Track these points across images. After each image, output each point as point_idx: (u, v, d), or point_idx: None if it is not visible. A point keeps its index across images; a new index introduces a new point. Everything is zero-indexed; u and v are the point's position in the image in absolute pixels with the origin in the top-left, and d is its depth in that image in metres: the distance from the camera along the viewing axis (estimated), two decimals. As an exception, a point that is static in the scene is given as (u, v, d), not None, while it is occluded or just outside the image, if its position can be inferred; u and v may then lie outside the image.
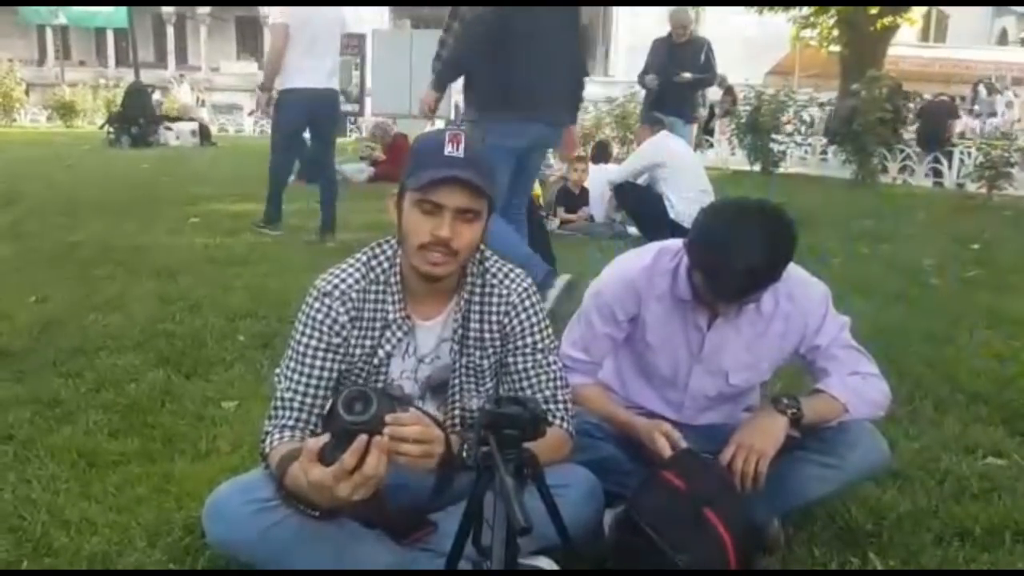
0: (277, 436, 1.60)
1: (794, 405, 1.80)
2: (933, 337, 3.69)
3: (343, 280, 1.65)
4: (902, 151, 11.72)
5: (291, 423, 1.62)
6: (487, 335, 1.69)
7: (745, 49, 24.24)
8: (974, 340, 3.69)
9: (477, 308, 1.69)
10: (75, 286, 4.15)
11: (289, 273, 4.53)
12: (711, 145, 14.66)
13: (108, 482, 2.11)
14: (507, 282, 1.70)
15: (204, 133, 15.79)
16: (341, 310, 1.63)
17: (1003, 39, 33.43)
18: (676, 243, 1.92)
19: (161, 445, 2.36)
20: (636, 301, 1.93)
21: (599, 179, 6.71)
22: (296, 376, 1.63)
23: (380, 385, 1.66)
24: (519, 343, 1.70)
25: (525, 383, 1.70)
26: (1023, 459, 2.47)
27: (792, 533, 1.95)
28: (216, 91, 29.14)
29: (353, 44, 14.67)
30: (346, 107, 13.43)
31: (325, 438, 1.32)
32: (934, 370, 3.22)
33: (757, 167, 12.56)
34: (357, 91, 15.66)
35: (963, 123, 16.04)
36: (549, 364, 1.72)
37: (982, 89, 20.02)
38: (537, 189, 6.73)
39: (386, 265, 1.66)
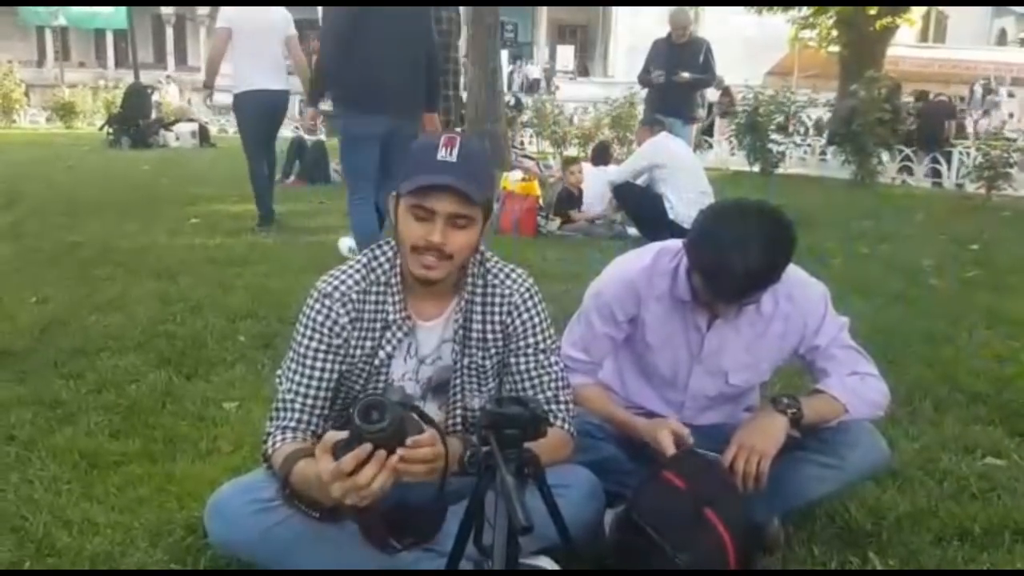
0: (279, 437, 1.61)
1: (794, 405, 1.80)
2: (932, 337, 3.70)
3: (343, 282, 1.65)
4: (901, 151, 11.73)
5: (292, 424, 1.63)
6: (489, 335, 1.69)
7: (744, 49, 24.24)
8: (973, 340, 3.69)
9: (479, 308, 1.69)
10: (76, 287, 4.15)
11: (290, 273, 4.54)
12: (710, 146, 14.67)
13: (110, 482, 2.12)
14: (508, 282, 1.70)
15: (204, 134, 15.78)
16: (341, 311, 1.63)
17: (1002, 39, 33.44)
18: (676, 244, 1.93)
19: (162, 445, 2.37)
20: (636, 301, 1.94)
21: (599, 180, 6.71)
22: (297, 377, 1.64)
23: (381, 386, 1.67)
24: (521, 343, 1.70)
25: (527, 383, 1.71)
26: (1022, 459, 2.47)
27: (792, 533, 1.95)
28: (215, 92, 29.03)
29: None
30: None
31: (344, 434, 1.32)
32: (933, 370, 3.23)
33: (756, 168, 12.57)
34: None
35: (971, 122, 16.10)
36: (551, 364, 1.72)
37: (977, 88, 20.08)
38: (537, 189, 6.76)
39: (387, 266, 1.67)
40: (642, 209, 5.96)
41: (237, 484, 1.68)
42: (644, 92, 8.24)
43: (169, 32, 34.79)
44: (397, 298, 1.65)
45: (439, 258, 1.55)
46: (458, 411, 1.72)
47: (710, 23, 27.57)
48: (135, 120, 14.31)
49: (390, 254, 1.67)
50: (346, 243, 4.88)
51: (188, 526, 1.89)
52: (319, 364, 1.64)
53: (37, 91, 23.51)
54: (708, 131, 14.59)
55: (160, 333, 3.40)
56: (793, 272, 1.85)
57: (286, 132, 8.02)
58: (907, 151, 11.75)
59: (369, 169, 4.18)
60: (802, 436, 1.84)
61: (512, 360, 1.71)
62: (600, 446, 1.91)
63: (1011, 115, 20.50)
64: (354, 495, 1.29)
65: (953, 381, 3.10)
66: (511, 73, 27.65)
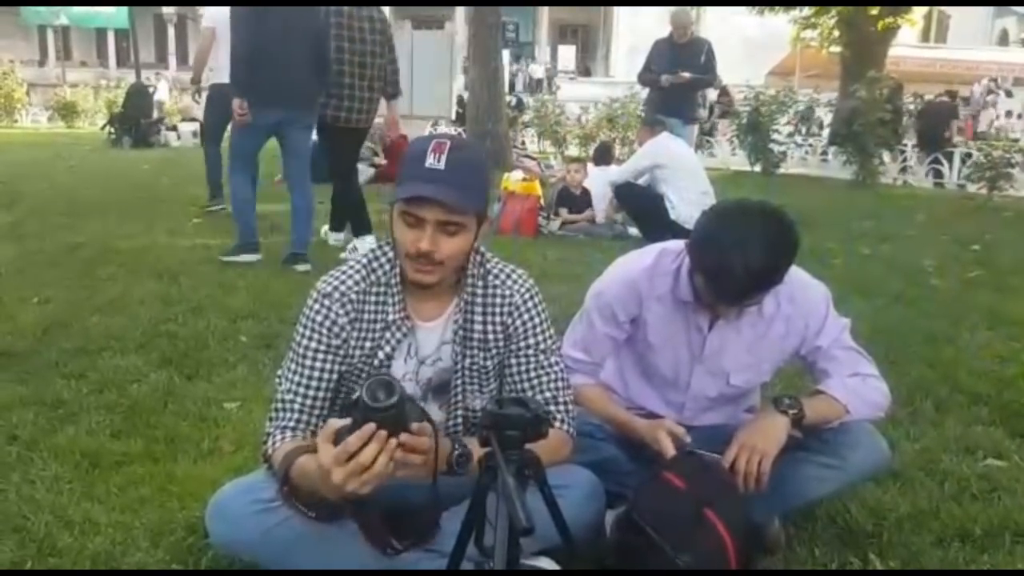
0: (279, 437, 1.61)
1: (795, 406, 1.81)
2: (933, 338, 3.70)
3: (343, 282, 1.65)
4: (902, 152, 11.73)
5: (292, 424, 1.63)
6: (490, 336, 1.70)
7: (746, 50, 24.24)
8: (974, 341, 3.69)
9: (480, 309, 1.69)
10: (77, 287, 4.16)
11: (290, 274, 4.54)
12: (711, 145, 14.67)
13: (111, 482, 2.12)
14: (509, 283, 1.71)
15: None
16: (340, 312, 1.64)
17: (1003, 40, 33.42)
18: (677, 244, 1.93)
19: (164, 446, 2.37)
20: (637, 302, 1.94)
21: (601, 180, 6.71)
22: (296, 378, 1.64)
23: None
24: (521, 344, 1.70)
25: (527, 384, 1.71)
26: (1023, 460, 2.47)
27: (793, 533, 1.95)
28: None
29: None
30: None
31: (346, 421, 1.32)
32: (934, 371, 3.23)
33: (758, 168, 12.57)
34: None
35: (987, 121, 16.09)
36: (551, 365, 1.72)
37: (976, 88, 20.09)
38: (538, 189, 6.76)
39: (387, 267, 1.67)
40: (643, 209, 5.96)
41: (238, 484, 1.68)
42: (645, 92, 8.24)
43: (171, 31, 34.83)
44: (397, 299, 1.65)
45: (430, 264, 1.55)
46: (459, 412, 1.72)
47: (711, 23, 27.58)
48: (136, 120, 14.31)
49: (390, 255, 1.67)
50: (325, 231, 5.64)
51: (189, 526, 1.89)
52: (318, 364, 1.64)
53: (39, 90, 23.55)
54: (710, 132, 14.59)
55: (162, 333, 3.41)
56: (795, 273, 1.85)
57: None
58: (908, 149, 11.74)
59: (251, 152, 4.85)
60: (803, 437, 1.84)
61: (512, 361, 1.71)
62: (600, 447, 1.91)
63: (1009, 114, 20.54)
64: (355, 480, 1.28)
65: (954, 382, 3.10)
66: (515, 73, 27.71)
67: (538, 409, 1.37)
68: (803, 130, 13.48)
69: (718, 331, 1.91)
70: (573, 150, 14.50)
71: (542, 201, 6.69)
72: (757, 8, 16.77)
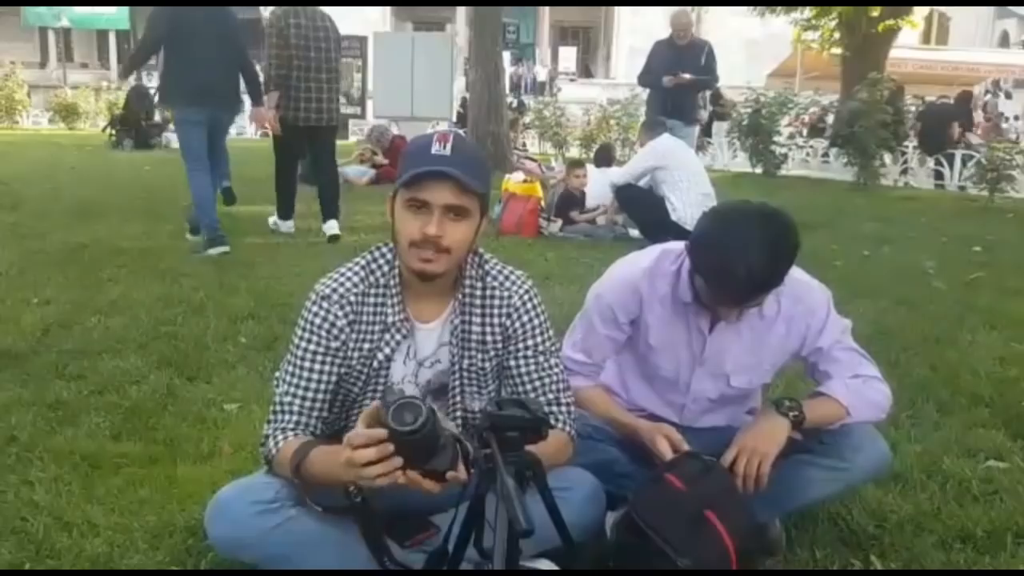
0: (280, 438, 1.61)
1: (796, 408, 1.80)
2: (935, 340, 3.70)
3: (342, 284, 1.65)
4: (903, 153, 11.72)
5: (291, 426, 1.63)
6: (489, 337, 1.69)
7: (746, 51, 24.28)
8: (976, 343, 3.69)
9: (478, 310, 1.69)
10: (78, 288, 4.16)
11: (291, 275, 4.55)
12: (711, 145, 14.67)
13: (110, 484, 2.12)
14: (508, 284, 1.70)
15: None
16: (339, 314, 1.63)
17: (1004, 41, 33.42)
18: (678, 246, 1.92)
19: (163, 447, 2.37)
20: (637, 303, 1.93)
21: (601, 181, 6.70)
22: (295, 380, 1.64)
23: (381, 389, 1.67)
24: (521, 345, 1.70)
25: (527, 385, 1.70)
26: (1025, 462, 2.47)
27: (794, 535, 1.95)
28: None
29: (354, 47, 14.69)
30: (347, 110, 13.45)
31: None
32: (936, 373, 3.22)
33: (759, 169, 12.56)
34: (359, 94, 15.68)
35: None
36: (551, 367, 1.72)
37: (977, 89, 20.09)
38: (539, 191, 6.76)
39: (386, 268, 1.67)
40: (644, 211, 5.96)
41: (238, 486, 1.67)
42: (646, 94, 8.24)
43: (172, 33, 34.78)
44: (396, 300, 1.65)
45: (436, 252, 1.55)
46: (458, 413, 1.71)
47: (711, 25, 27.58)
48: (138, 121, 14.32)
49: (389, 256, 1.67)
50: (272, 219, 6.19)
51: (189, 528, 1.89)
52: (317, 366, 1.63)
53: (40, 92, 23.53)
54: (707, 131, 14.58)
55: (162, 335, 3.41)
56: (796, 274, 1.84)
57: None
58: (909, 151, 11.74)
59: (200, 148, 5.20)
60: (804, 439, 1.84)
61: (512, 362, 1.70)
62: (601, 448, 1.91)
63: (1007, 115, 20.53)
64: (378, 467, 1.30)
65: (955, 384, 3.09)
66: (520, 75, 27.74)
67: (538, 410, 1.37)
68: (804, 133, 13.49)
69: (719, 333, 1.91)
70: (573, 151, 14.50)
71: (543, 203, 6.69)
72: (758, 9, 16.79)
